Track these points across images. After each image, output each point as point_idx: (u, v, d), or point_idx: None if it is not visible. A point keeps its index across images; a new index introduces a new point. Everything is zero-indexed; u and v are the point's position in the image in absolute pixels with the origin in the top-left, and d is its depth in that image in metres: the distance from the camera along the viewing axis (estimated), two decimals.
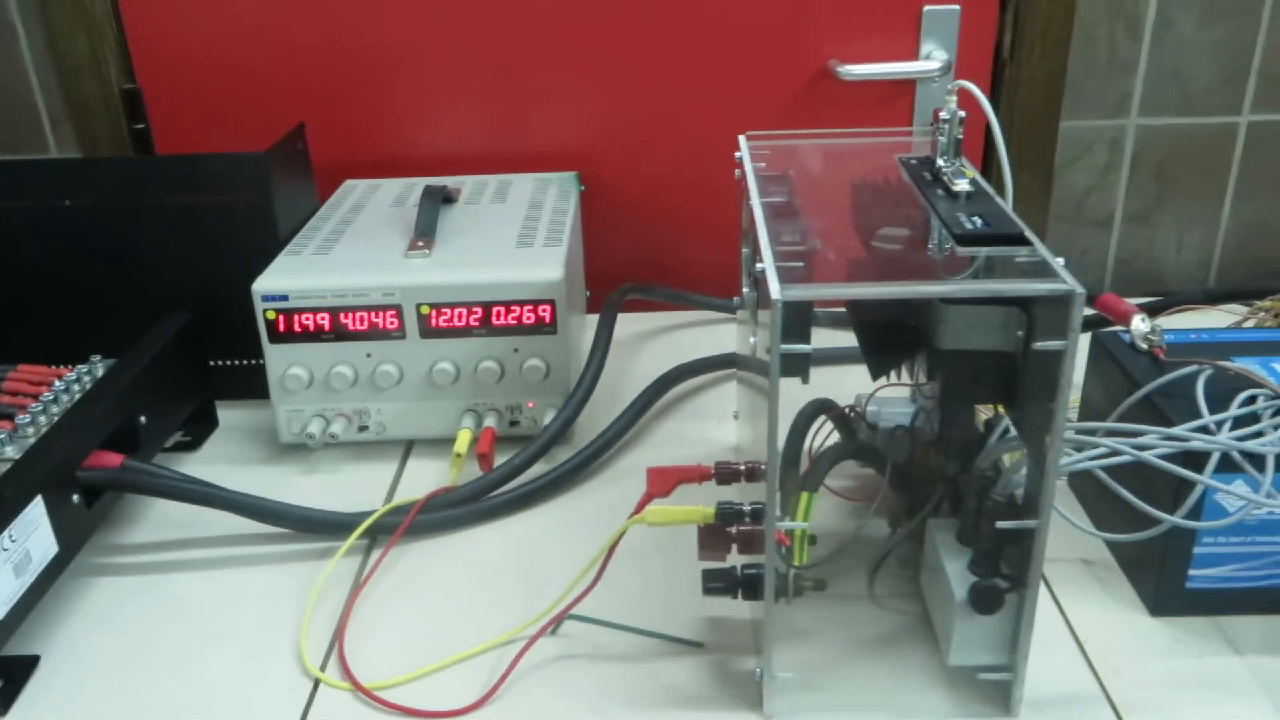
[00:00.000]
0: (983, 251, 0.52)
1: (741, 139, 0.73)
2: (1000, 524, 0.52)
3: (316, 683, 0.62)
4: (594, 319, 0.91)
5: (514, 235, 0.88)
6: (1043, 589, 0.67)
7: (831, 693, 0.59)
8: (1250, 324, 0.79)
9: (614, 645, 0.64)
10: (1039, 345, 0.48)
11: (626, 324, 1.03)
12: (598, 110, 1.06)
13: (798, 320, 0.48)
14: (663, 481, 0.61)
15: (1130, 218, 1.11)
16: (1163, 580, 0.64)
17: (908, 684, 0.60)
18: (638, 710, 0.59)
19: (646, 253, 1.11)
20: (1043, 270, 0.49)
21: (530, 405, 0.83)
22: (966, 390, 0.55)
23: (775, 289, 0.48)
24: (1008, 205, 0.59)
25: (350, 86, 1.05)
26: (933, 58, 1.03)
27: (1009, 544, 0.55)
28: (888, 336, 0.58)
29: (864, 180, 0.65)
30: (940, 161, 0.62)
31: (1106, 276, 1.13)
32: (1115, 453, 0.57)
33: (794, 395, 0.55)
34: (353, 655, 0.63)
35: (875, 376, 0.60)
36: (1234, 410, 0.60)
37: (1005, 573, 0.56)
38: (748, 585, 0.57)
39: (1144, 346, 0.69)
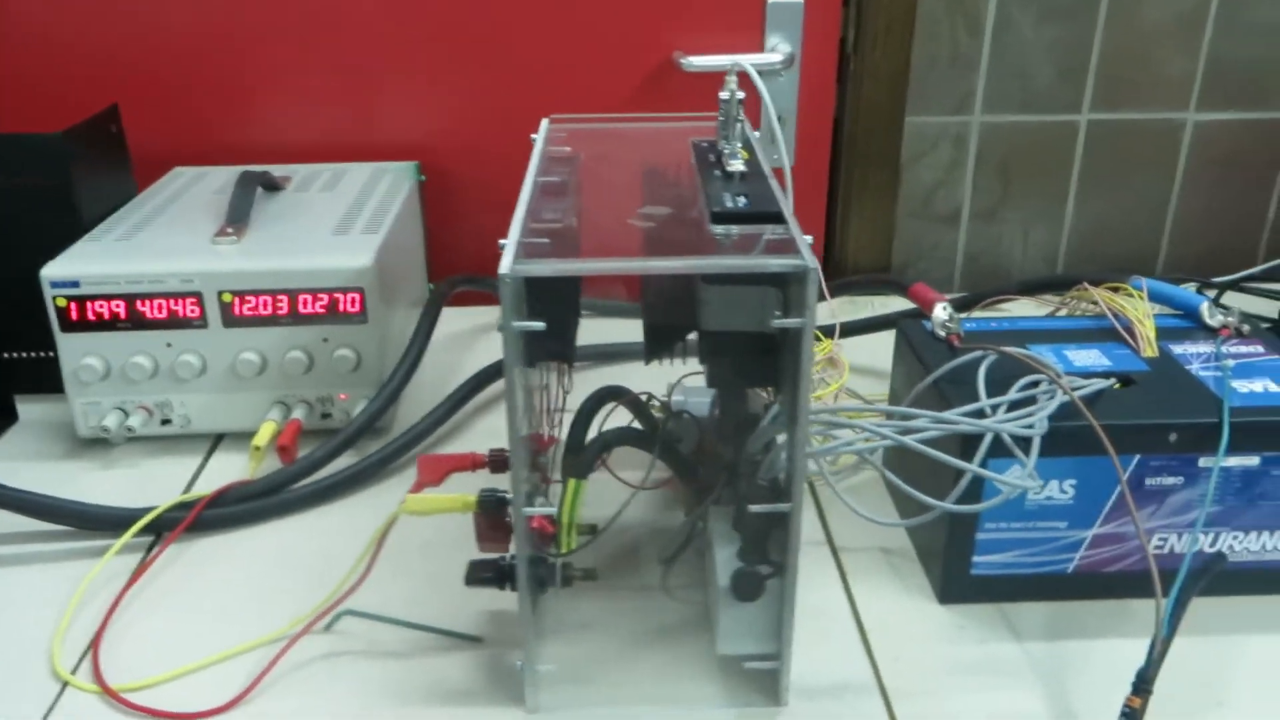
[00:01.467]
0: (735, 229, 0.51)
1: (544, 121, 0.71)
2: (752, 508, 0.51)
3: (65, 685, 0.58)
4: None
5: (333, 223, 0.85)
6: (836, 577, 0.67)
7: (603, 685, 0.58)
8: (1062, 313, 0.79)
9: (390, 641, 0.61)
10: (777, 322, 0.47)
11: (466, 317, 1.02)
12: (442, 100, 1.04)
13: (530, 297, 0.46)
14: (434, 470, 0.59)
15: (977, 214, 1.12)
16: (948, 568, 0.64)
17: (684, 675, 0.58)
18: (402, 707, 0.57)
19: (492, 245, 1.08)
20: (786, 248, 0.48)
21: (343, 397, 0.80)
22: (731, 373, 0.54)
23: (505, 264, 0.46)
24: (777, 183, 0.58)
25: (186, 71, 1.01)
26: (777, 50, 1.03)
27: (774, 530, 0.54)
28: (660, 319, 0.57)
29: (653, 162, 0.64)
30: (721, 143, 0.61)
31: (956, 272, 1.14)
32: (881, 437, 0.56)
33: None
34: (114, 656, 0.60)
35: (647, 360, 0.58)
36: (1011, 395, 0.60)
37: (771, 559, 0.55)
38: (511, 576, 0.55)
39: (942, 334, 0.69)
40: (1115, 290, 0.74)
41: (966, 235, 1.13)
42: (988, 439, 0.58)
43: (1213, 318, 0.70)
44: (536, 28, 1.01)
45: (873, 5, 1.01)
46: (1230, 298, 1.03)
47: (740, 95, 0.60)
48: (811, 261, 0.46)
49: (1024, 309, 0.93)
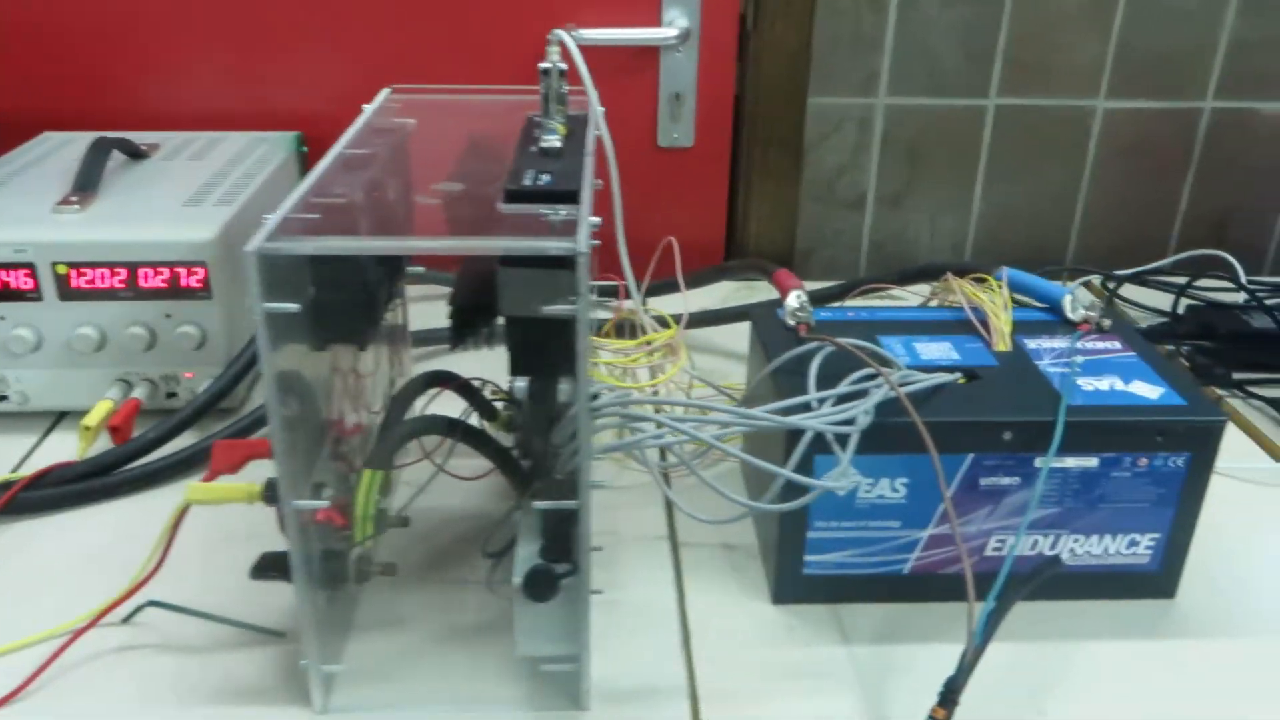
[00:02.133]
0: (523, 208, 0.48)
1: (384, 91, 0.68)
2: (536, 504, 0.48)
3: None
4: None
5: (188, 194, 0.81)
6: (669, 575, 0.64)
7: (404, 685, 0.55)
8: (934, 303, 0.77)
9: (190, 635, 0.58)
10: (548, 309, 0.44)
11: None
12: (331, 70, 1.00)
13: (280, 275, 0.43)
14: (229, 455, 0.56)
15: (883, 200, 1.09)
16: (780, 567, 0.61)
17: (490, 676, 0.56)
18: (185, 705, 0.54)
19: None
20: (568, 230, 0.45)
21: (188, 376, 0.77)
22: (529, 359, 0.51)
23: (253, 241, 0.43)
24: (592, 161, 0.55)
25: (63, 33, 0.97)
26: (674, 25, 0.99)
27: (572, 527, 0.52)
28: (464, 302, 0.54)
29: (483, 137, 0.61)
30: (543, 117, 0.58)
31: (861, 259, 1.11)
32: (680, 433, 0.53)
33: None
34: None
35: (453, 346, 0.55)
36: (840, 388, 0.58)
37: (573, 558, 0.52)
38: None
39: (791, 323, 0.67)
40: (981, 281, 0.71)
41: (872, 221, 1.10)
42: (807, 435, 0.55)
43: (1074, 311, 0.68)
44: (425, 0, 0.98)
45: None
46: (1133, 291, 1.02)
47: (561, 67, 0.57)
48: (584, 246, 0.43)
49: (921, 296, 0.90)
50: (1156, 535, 0.61)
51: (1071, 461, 0.58)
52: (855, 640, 0.59)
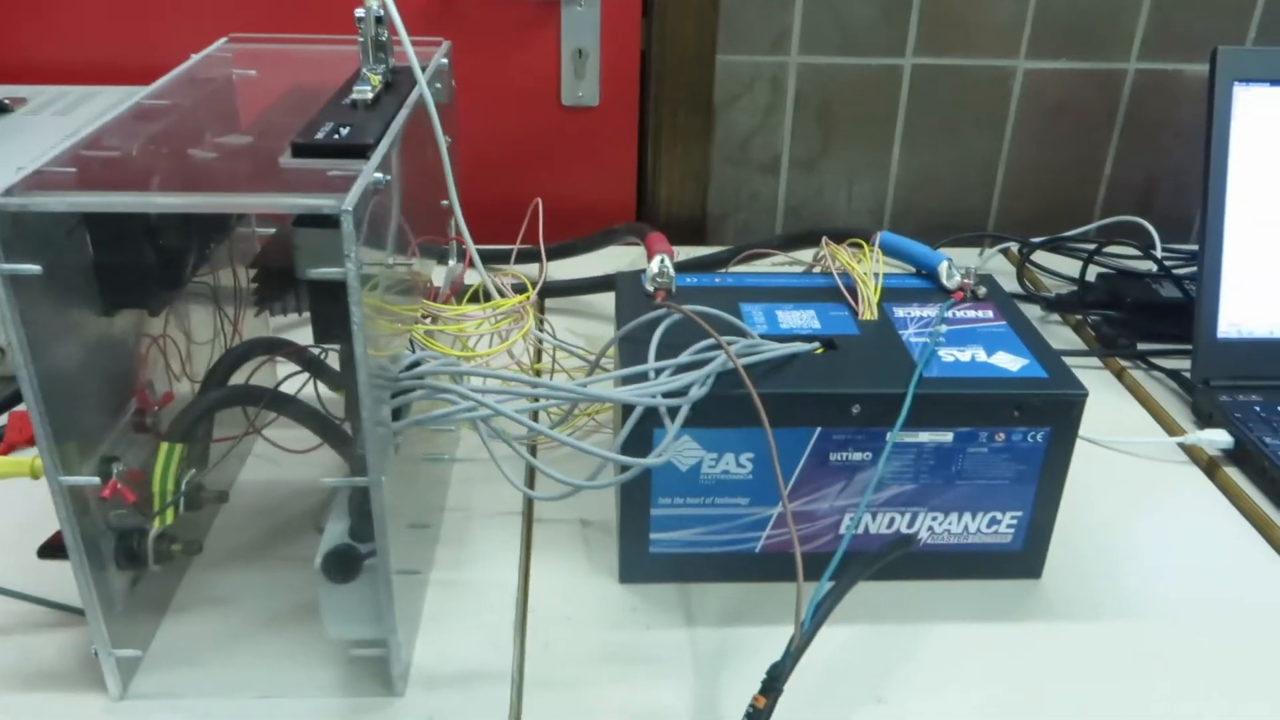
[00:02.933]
0: (308, 163, 0.45)
1: (221, 40, 0.64)
2: (325, 480, 0.45)
3: None
4: None
5: (38, 151, 0.77)
6: (515, 553, 0.61)
7: (213, 670, 0.52)
8: (817, 270, 0.74)
9: None
10: (315, 273, 0.41)
11: None
12: (217, 20, 0.96)
13: (34, 233, 0.40)
14: (27, 428, 0.53)
15: (797, 162, 1.05)
16: (626, 546, 0.58)
17: (307, 660, 0.53)
18: None
19: None
20: (342, 186, 0.42)
21: None
22: (327, 325, 0.48)
23: None
24: (401, 114, 0.51)
25: None
26: None
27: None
28: (267, 264, 0.50)
29: (309, 89, 0.57)
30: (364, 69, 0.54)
31: (777, 223, 1.08)
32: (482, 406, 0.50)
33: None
34: None
35: (257, 311, 0.52)
36: (682, 358, 0.55)
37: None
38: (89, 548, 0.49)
39: (650, 289, 0.63)
40: (860, 246, 0.68)
41: (787, 184, 1.06)
42: (637, 410, 0.52)
43: (950, 279, 0.65)
44: None
45: None
46: (1054, 260, 0.99)
47: (378, 13, 0.53)
48: (347, 204, 0.39)
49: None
50: (1018, 513, 0.58)
51: (926, 436, 0.55)
52: (700, 622, 0.57)
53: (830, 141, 1.04)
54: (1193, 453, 0.72)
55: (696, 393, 0.52)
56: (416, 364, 0.52)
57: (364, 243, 0.43)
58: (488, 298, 0.63)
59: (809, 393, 0.54)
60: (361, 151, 0.45)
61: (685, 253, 0.95)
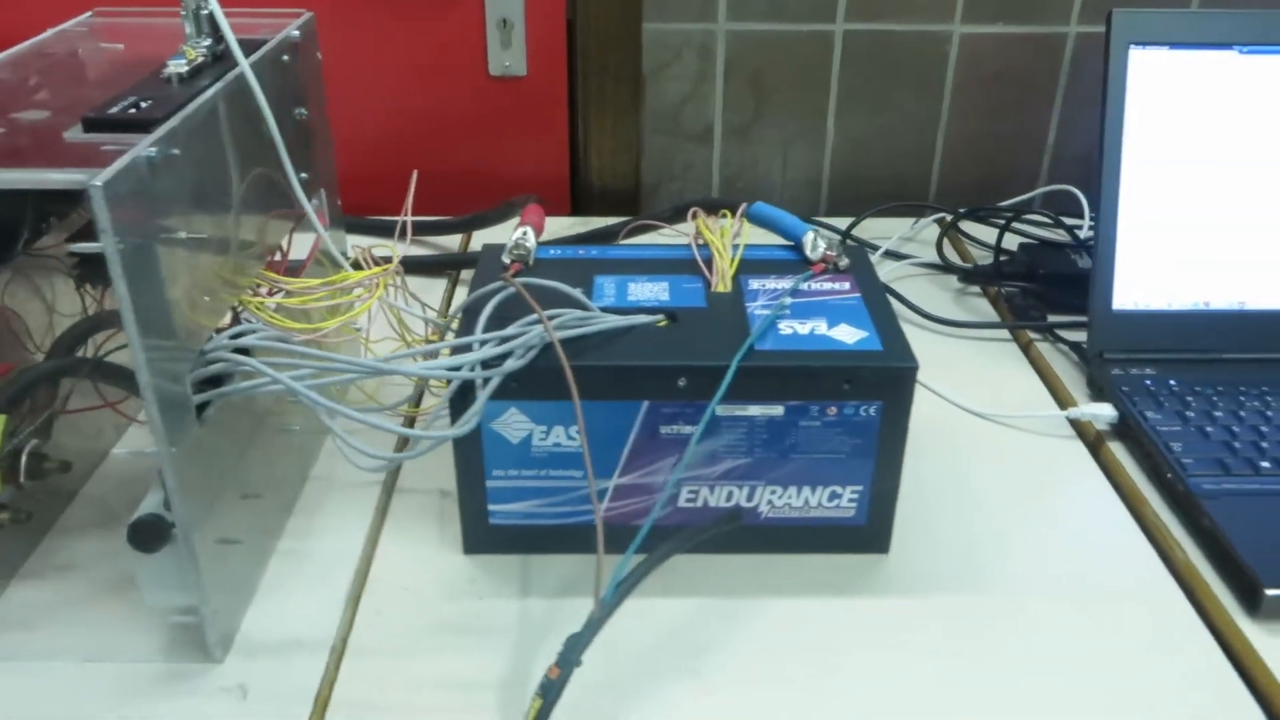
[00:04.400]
0: (97, 138, 0.45)
1: (86, 14, 0.64)
2: (118, 450, 0.46)
3: None
4: None
5: None
6: (367, 524, 0.62)
7: (40, 635, 0.53)
8: (701, 242, 0.73)
9: None
10: (75, 246, 0.41)
11: None
12: None
13: None
14: None
15: (730, 132, 1.04)
16: (466, 517, 0.59)
17: (135, 625, 0.54)
18: None
19: None
20: (109, 160, 0.42)
21: None
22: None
23: None
24: (215, 86, 0.51)
25: None
26: None
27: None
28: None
29: (142, 59, 0.57)
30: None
31: (714, 192, 1.07)
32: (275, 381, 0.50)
33: None
34: None
35: (78, 286, 0.53)
36: (509, 330, 0.54)
37: None
38: None
39: (507, 260, 0.63)
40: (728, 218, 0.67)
41: (721, 154, 1.05)
42: (455, 382, 0.52)
43: (814, 251, 0.64)
44: None
45: None
46: (982, 230, 0.97)
47: None
48: (100, 179, 0.39)
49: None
50: (859, 487, 0.57)
51: (756, 410, 0.55)
52: (534, 593, 0.57)
53: (763, 110, 1.03)
54: (1081, 427, 0.71)
55: (513, 364, 0.52)
56: (239, 335, 0.53)
57: (151, 216, 0.44)
58: (359, 268, 0.63)
59: (634, 365, 0.54)
60: (147, 126, 0.45)
61: (595, 223, 0.96)
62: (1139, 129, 0.71)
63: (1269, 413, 0.67)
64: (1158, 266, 0.73)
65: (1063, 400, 0.74)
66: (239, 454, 0.55)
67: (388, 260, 0.61)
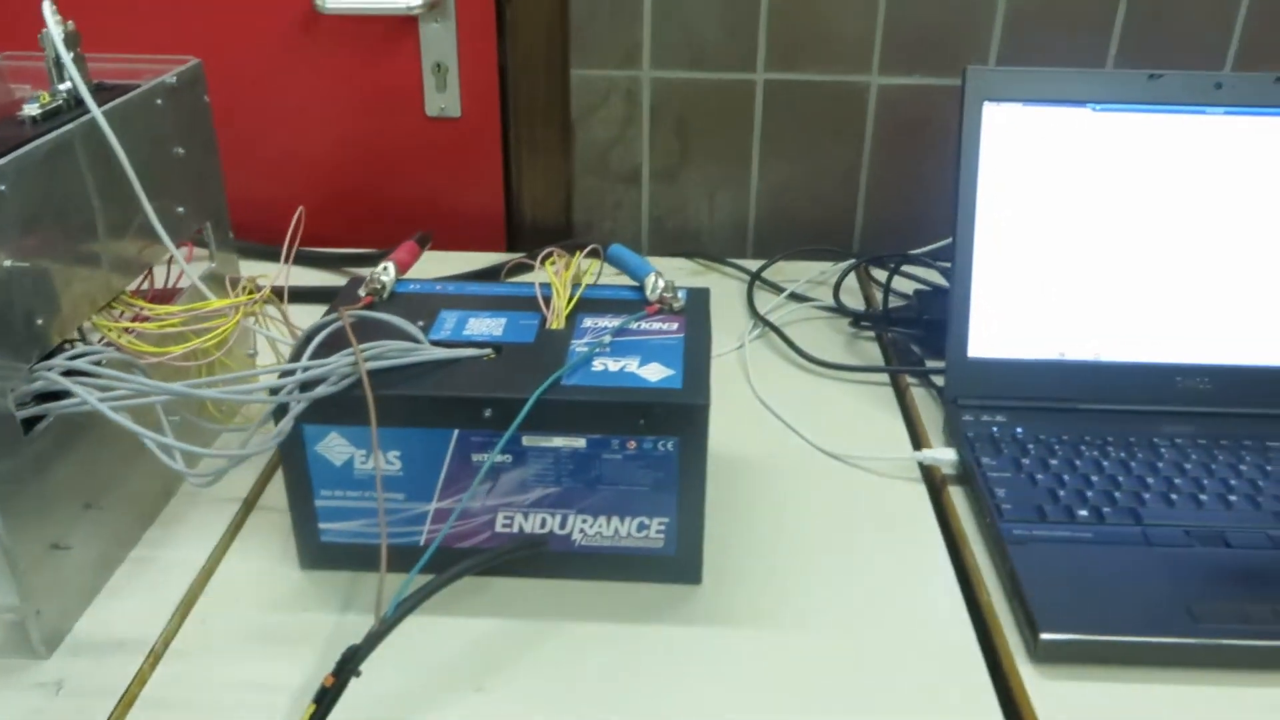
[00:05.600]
0: None
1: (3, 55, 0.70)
2: None
3: None
4: None
5: None
6: (218, 536, 0.65)
7: None
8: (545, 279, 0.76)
9: None
10: None
11: None
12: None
13: None
14: None
15: (658, 174, 1.07)
16: (299, 534, 0.62)
17: None
18: None
19: None
20: None
21: None
22: None
23: None
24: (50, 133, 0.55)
25: None
26: None
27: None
28: None
29: (14, 102, 0.62)
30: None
31: (643, 234, 1.10)
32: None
33: None
34: None
35: None
36: (332, 360, 0.58)
37: None
38: None
39: (362, 293, 0.67)
40: (594, 256, 0.71)
41: (650, 195, 1.09)
42: (270, 406, 0.56)
43: (653, 292, 0.67)
44: None
45: None
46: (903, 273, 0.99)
47: (61, 31, 0.58)
48: None
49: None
50: (665, 519, 0.60)
51: (560, 441, 0.58)
52: (355, 609, 0.60)
53: (689, 154, 1.06)
54: (928, 471, 0.72)
55: (322, 390, 0.56)
56: (78, 355, 0.57)
57: None
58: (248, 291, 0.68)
59: (443, 395, 0.57)
60: None
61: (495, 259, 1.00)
62: (994, 182, 0.73)
63: (1104, 462, 0.68)
64: (1015, 317, 0.75)
65: (921, 444, 0.76)
66: (84, 467, 0.59)
67: (277, 288, 0.65)
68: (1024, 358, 0.75)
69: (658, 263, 1.05)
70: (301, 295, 0.93)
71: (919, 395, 0.82)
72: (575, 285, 0.67)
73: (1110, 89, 0.72)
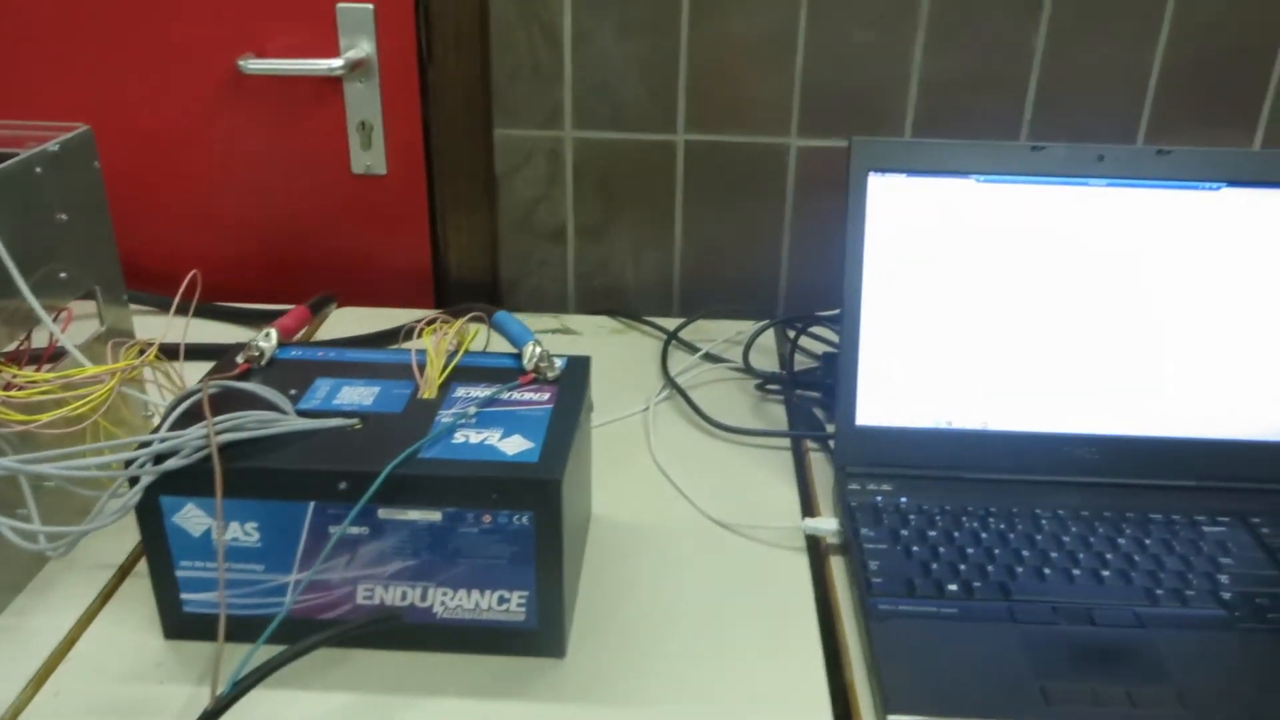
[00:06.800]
0: None
1: None
2: None
3: None
4: None
5: None
6: (85, 602, 0.65)
7: None
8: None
9: None
10: None
11: None
12: (20, 101, 1.04)
13: None
14: None
15: (583, 231, 1.08)
16: (161, 604, 0.62)
17: None
18: None
19: None
20: None
21: None
22: None
23: None
24: None
25: None
26: (349, 55, 1.01)
27: None
28: None
29: None
30: None
31: (568, 290, 1.11)
32: None
33: None
34: None
35: None
36: (189, 431, 0.58)
37: None
38: None
39: (240, 360, 0.67)
40: (478, 321, 0.71)
41: (575, 253, 1.09)
42: (119, 480, 0.56)
43: (529, 361, 0.67)
44: (85, 27, 1.01)
45: (441, 12, 0.98)
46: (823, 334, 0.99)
47: None
48: None
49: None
50: (525, 593, 0.60)
51: (415, 514, 0.58)
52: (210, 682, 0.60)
53: (613, 212, 1.07)
54: (818, 540, 0.72)
55: (177, 463, 0.55)
56: None
57: None
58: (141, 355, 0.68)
59: (296, 469, 0.57)
60: None
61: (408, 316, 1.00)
62: (880, 251, 0.74)
63: (983, 534, 0.68)
64: (903, 385, 0.75)
65: (812, 512, 0.75)
66: None
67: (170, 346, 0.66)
68: (911, 425, 0.75)
69: (580, 320, 1.05)
70: (212, 353, 0.93)
71: (817, 461, 0.81)
72: (453, 354, 0.67)
73: (994, 160, 0.73)
